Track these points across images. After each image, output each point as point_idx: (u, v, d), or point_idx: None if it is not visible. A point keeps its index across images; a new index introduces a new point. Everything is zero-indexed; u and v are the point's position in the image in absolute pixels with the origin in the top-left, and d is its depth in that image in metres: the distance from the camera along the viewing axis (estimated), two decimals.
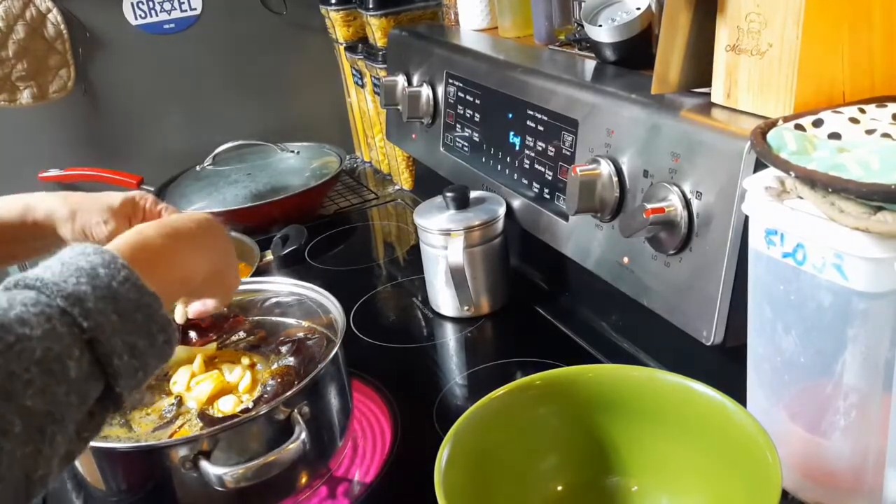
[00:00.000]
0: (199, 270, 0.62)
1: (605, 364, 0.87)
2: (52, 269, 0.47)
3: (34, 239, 0.74)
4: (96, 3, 1.46)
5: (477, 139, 1.08)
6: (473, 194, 1.00)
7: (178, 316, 0.77)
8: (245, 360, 0.75)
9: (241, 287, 0.87)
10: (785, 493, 0.60)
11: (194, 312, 0.75)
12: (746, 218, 0.59)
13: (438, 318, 1.03)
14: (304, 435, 0.65)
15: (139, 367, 0.48)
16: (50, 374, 0.42)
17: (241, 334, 0.80)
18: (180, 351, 0.75)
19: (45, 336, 0.43)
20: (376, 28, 1.39)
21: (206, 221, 0.66)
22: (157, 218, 0.77)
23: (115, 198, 0.75)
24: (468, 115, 1.10)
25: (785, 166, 0.52)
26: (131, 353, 0.47)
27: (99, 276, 0.47)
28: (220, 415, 0.68)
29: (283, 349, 0.75)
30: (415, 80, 1.24)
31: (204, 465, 0.62)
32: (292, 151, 1.49)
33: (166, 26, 1.53)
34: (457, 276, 0.94)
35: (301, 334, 0.79)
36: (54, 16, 1.40)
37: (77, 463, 0.69)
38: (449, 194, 0.98)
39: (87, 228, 0.73)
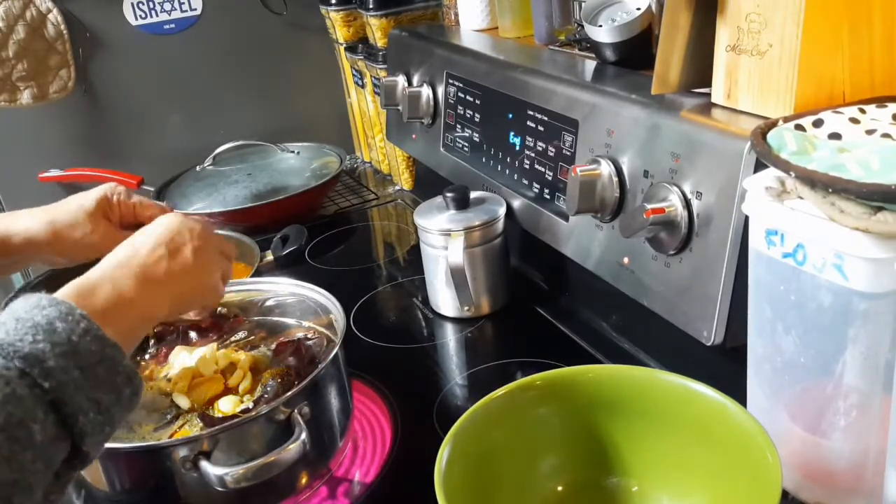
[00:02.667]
0: (157, 306, 0.59)
1: (605, 364, 0.87)
2: (6, 326, 0.45)
3: (14, 261, 0.72)
4: (96, 4, 1.46)
5: (477, 139, 1.08)
6: (473, 194, 1.00)
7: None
8: (246, 361, 0.74)
9: (241, 287, 0.87)
10: (785, 493, 0.60)
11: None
12: (746, 218, 0.59)
13: (438, 319, 1.03)
14: (304, 435, 0.65)
15: (105, 422, 0.46)
16: (15, 441, 0.40)
17: (242, 334, 0.80)
18: (182, 351, 0.75)
19: (6, 401, 0.41)
20: (376, 28, 1.39)
21: (166, 238, 0.62)
22: (131, 211, 0.75)
23: (88, 200, 0.73)
24: (468, 116, 1.10)
25: (785, 166, 0.52)
26: (97, 410, 0.45)
27: (57, 331, 0.45)
28: (220, 415, 0.68)
29: (284, 349, 0.75)
30: (415, 80, 1.24)
31: (204, 465, 0.62)
32: (292, 151, 1.49)
33: (166, 26, 1.53)
34: (457, 276, 0.94)
35: (301, 334, 0.79)
36: (54, 16, 1.40)
37: None
38: (449, 194, 0.98)
39: (73, 246, 0.71)
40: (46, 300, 0.47)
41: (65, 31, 1.41)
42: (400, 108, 1.25)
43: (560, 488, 0.63)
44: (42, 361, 0.43)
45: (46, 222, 0.71)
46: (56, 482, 0.45)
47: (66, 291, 0.53)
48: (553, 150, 0.90)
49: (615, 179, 0.78)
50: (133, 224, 0.74)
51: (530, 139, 0.95)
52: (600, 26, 0.86)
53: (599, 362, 0.88)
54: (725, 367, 0.69)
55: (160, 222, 0.64)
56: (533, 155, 0.95)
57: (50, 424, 0.43)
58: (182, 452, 0.63)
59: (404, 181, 1.50)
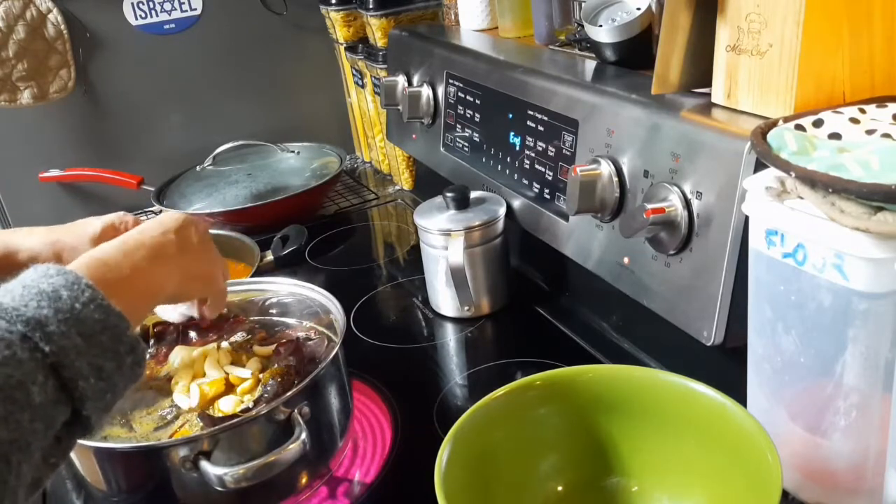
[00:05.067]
0: (166, 281, 0.61)
1: (605, 364, 0.87)
2: (12, 293, 0.46)
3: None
4: (96, 4, 1.46)
5: (477, 139, 1.08)
6: (473, 194, 1.00)
7: (176, 316, 0.77)
8: (254, 363, 0.74)
9: (241, 287, 0.87)
10: (785, 493, 0.60)
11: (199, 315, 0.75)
12: (747, 218, 0.59)
13: (439, 319, 1.03)
14: (304, 435, 0.65)
15: (107, 389, 0.47)
16: (12, 402, 0.41)
17: (241, 334, 0.80)
18: (182, 351, 0.75)
19: (5, 362, 0.42)
20: (376, 28, 1.39)
21: (173, 225, 0.65)
22: None
23: (95, 225, 0.74)
24: (468, 116, 1.10)
25: (785, 166, 0.52)
26: (98, 376, 0.46)
27: (61, 298, 0.46)
28: (220, 415, 0.68)
29: (283, 349, 0.75)
30: (415, 80, 1.24)
31: (204, 465, 0.62)
32: (292, 151, 1.49)
33: (166, 26, 1.53)
34: (457, 276, 0.94)
35: (301, 334, 0.79)
36: (54, 16, 1.40)
37: (77, 463, 0.69)
38: (449, 194, 0.98)
39: None
40: (54, 270, 0.48)
41: (65, 31, 1.41)
42: (400, 108, 1.25)
43: (560, 488, 0.63)
44: (44, 326, 0.44)
45: (50, 242, 0.73)
46: (57, 445, 0.46)
47: (77, 263, 0.54)
48: (553, 150, 0.90)
49: (615, 179, 0.78)
50: None
51: (530, 139, 0.95)
52: (600, 26, 0.86)
53: (599, 362, 0.88)
54: (725, 367, 0.69)
55: (169, 214, 0.68)
56: (533, 155, 0.95)
57: (50, 387, 0.44)
58: (182, 452, 0.63)
59: (404, 181, 1.50)
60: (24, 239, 0.73)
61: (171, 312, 0.77)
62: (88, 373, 0.46)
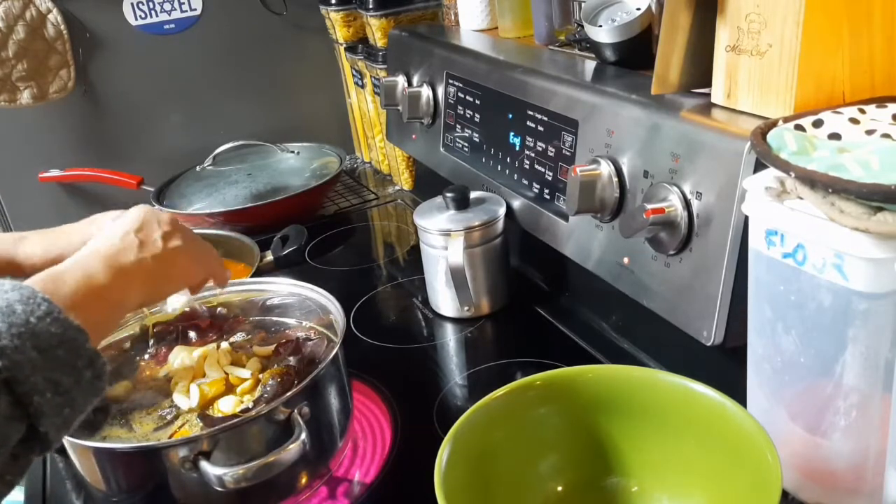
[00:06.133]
0: (128, 290, 0.60)
1: (605, 364, 0.87)
2: None
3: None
4: (96, 4, 1.46)
5: (477, 139, 1.08)
6: (473, 195, 1.00)
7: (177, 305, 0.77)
8: (254, 363, 0.74)
9: (241, 287, 0.87)
10: (785, 493, 0.60)
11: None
12: (746, 218, 0.59)
13: (438, 319, 1.03)
14: (304, 435, 0.65)
15: (64, 404, 0.46)
16: None
17: (241, 334, 0.80)
18: (182, 351, 0.75)
19: None
20: (376, 28, 1.39)
21: (132, 226, 0.63)
22: None
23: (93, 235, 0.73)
24: (468, 116, 1.10)
25: (785, 166, 0.52)
26: (55, 391, 0.45)
27: (15, 312, 0.45)
28: (220, 415, 0.68)
29: (283, 349, 0.75)
30: (415, 80, 1.24)
31: (204, 465, 0.62)
32: (292, 152, 1.49)
33: (166, 26, 1.53)
34: (457, 276, 0.94)
35: (301, 334, 0.79)
36: (54, 16, 1.40)
37: (77, 463, 0.69)
38: (449, 195, 0.98)
39: None
40: (9, 285, 0.48)
41: (65, 31, 1.41)
42: (400, 108, 1.25)
43: (560, 488, 0.63)
44: None
45: (53, 257, 0.71)
46: (13, 463, 0.45)
47: (34, 278, 0.53)
48: (553, 150, 0.90)
49: (615, 179, 0.78)
50: None
51: (530, 139, 0.95)
52: (600, 26, 0.86)
53: (599, 362, 0.88)
54: (725, 367, 0.69)
55: (130, 214, 0.66)
56: (533, 155, 0.95)
57: (3, 404, 0.43)
58: (182, 452, 0.63)
59: (404, 181, 1.50)
60: (26, 247, 0.71)
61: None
62: (44, 388, 0.45)
